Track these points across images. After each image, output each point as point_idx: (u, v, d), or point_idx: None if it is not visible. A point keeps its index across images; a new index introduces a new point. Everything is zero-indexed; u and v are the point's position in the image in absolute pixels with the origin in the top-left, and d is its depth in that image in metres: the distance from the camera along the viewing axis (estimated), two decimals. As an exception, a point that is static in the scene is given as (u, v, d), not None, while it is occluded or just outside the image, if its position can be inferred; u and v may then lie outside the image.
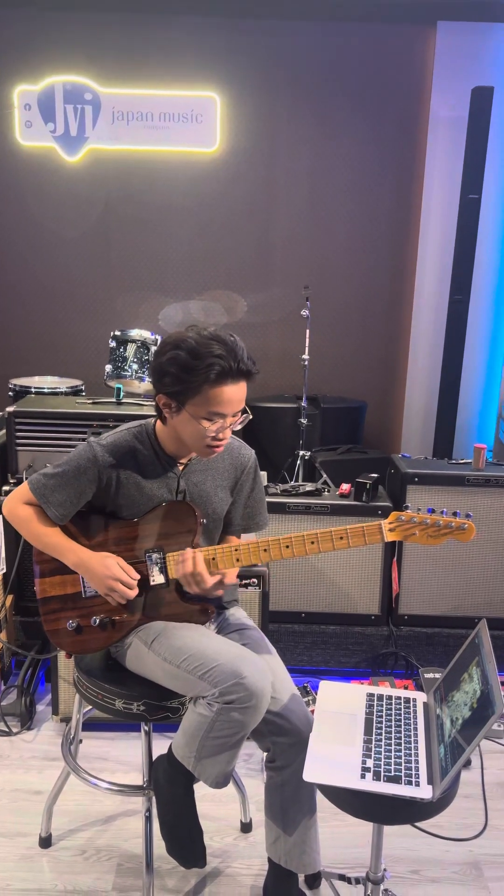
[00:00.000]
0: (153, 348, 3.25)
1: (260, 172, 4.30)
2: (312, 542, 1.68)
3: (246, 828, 2.16)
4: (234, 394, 1.64)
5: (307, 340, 3.88)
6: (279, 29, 4.11)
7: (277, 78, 4.18)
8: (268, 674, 1.64)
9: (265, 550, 1.71)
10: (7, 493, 2.76)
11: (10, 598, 2.72)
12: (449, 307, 4.10)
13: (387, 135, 4.26)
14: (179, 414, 1.67)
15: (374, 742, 1.57)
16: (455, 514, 1.65)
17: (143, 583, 1.76)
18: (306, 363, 3.89)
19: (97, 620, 1.77)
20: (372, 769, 1.48)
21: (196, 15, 4.08)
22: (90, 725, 2.50)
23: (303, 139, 4.26)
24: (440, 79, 4.12)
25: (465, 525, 1.63)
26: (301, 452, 3.85)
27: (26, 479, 1.80)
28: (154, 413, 1.77)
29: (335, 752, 1.54)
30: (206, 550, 1.73)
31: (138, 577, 1.74)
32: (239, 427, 1.72)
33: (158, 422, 1.78)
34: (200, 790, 1.71)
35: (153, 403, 1.74)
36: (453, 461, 3.00)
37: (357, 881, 1.75)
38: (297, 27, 4.11)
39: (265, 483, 2.85)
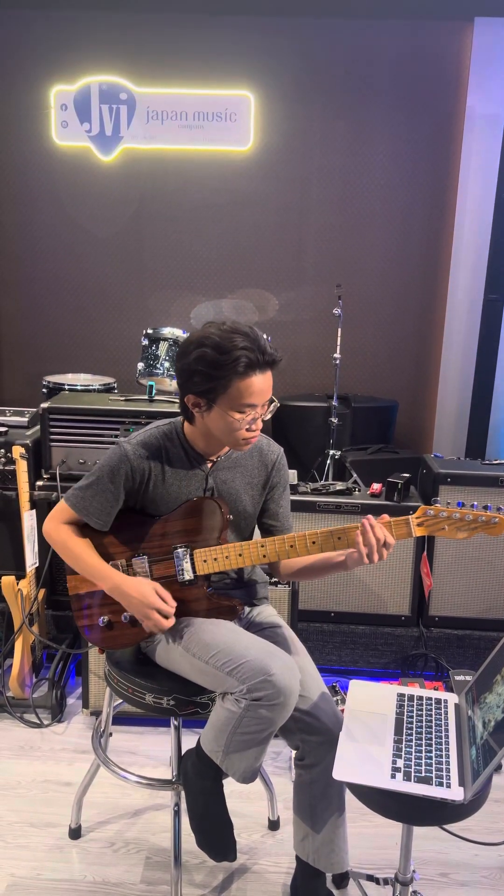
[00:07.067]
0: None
1: (293, 171, 4.29)
2: (339, 538, 1.68)
3: (274, 825, 2.16)
4: (263, 383, 1.65)
5: (339, 339, 3.87)
6: (313, 27, 4.10)
7: (312, 76, 4.17)
8: (296, 671, 1.64)
9: (291, 546, 1.71)
10: (42, 488, 2.80)
11: (42, 592, 2.75)
12: (483, 306, 4.05)
13: (422, 132, 4.22)
14: (210, 412, 1.68)
15: (404, 742, 1.55)
16: (486, 507, 1.62)
17: (172, 579, 1.78)
18: (338, 362, 3.87)
19: (127, 617, 1.78)
20: (402, 769, 1.47)
21: (230, 14, 4.09)
22: (119, 719, 2.52)
23: (336, 137, 4.24)
24: (477, 75, 4.07)
25: (496, 519, 1.60)
26: (331, 452, 3.83)
27: (60, 486, 1.82)
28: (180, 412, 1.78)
29: (365, 752, 1.53)
30: (234, 546, 1.73)
31: (175, 605, 1.73)
32: (269, 416, 1.72)
33: (185, 422, 1.79)
34: (228, 787, 1.71)
35: (180, 402, 1.74)
36: (486, 462, 2.96)
37: (385, 882, 1.74)
38: (332, 25, 4.09)
39: (294, 482, 2.84)
